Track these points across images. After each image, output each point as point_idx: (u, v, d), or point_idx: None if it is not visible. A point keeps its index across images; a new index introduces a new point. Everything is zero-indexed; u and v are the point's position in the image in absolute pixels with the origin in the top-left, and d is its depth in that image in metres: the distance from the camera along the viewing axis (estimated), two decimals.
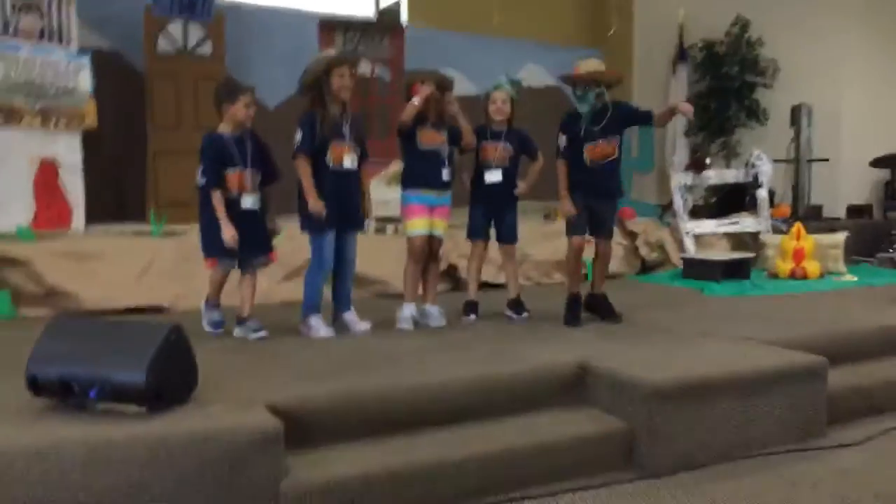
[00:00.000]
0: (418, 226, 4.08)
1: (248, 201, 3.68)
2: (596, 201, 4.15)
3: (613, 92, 4.26)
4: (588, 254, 4.35)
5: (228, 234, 3.57)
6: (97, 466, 2.14)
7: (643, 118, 4.28)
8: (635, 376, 2.99)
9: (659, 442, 2.90)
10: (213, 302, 3.87)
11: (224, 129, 3.69)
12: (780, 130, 8.32)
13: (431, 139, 4.08)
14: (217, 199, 3.59)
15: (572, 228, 4.19)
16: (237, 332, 3.76)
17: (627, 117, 4.22)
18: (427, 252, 4.14)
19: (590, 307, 4.29)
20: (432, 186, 4.08)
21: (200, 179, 3.63)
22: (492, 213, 4.34)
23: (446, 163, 4.13)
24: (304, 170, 3.78)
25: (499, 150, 4.25)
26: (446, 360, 3.26)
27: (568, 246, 4.22)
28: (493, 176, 4.27)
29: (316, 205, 3.74)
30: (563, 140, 4.17)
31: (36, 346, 2.44)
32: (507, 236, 4.36)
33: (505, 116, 4.29)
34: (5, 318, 4.34)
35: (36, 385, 2.40)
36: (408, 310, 4.12)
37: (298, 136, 3.77)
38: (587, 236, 4.21)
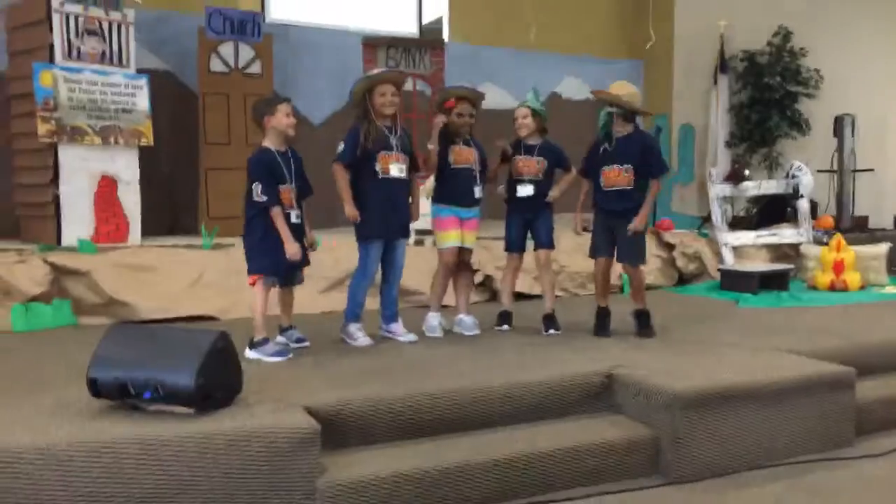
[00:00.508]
0: (450, 238, 4.24)
1: (294, 216, 3.75)
2: (616, 224, 4.17)
3: (649, 120, 4.30)
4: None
5: (293, 249, 3.63)
6: (149, 463, 2.34)
7: (647, 168, 4.16)
8: (660, 385, 3.07)
9: (683, 449, 2.98)
10: (284, 325, 3.93)
11: (269, 143, 3.73)
12: (823, 141, 8.24)
13: (464, 158, 4.26)
14: (278, 214, 3.61)
15: (593, 249, 4.28)
16: (279, 339, 3.88)
17: (643, 151, 4.13)
18: (456, 264, 4.30)
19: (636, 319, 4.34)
20: (463, 204, 4.25)
21: (261, 197, 3.59)
22: (527, 224, 4.43)
23: (478, 180, 4.29)
24: (340, 176, 3.93)
25: (531, 164, 4.36)
26: (477, 367, 3.38)
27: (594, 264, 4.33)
28: (525, 190, 4.36)
29: (352, 211, 3.89)
30: (587, 157, 4.31)
31: (96, 352, 2.65)
32: (544, 241, 4.41)
33: (529, 131, 4.37)
34: (67, 326, 4.61)
35: (96, 387, 2.61)
36: (433, 319, 4.29)
37: (341, 146, 3.94)
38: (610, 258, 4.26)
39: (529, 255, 4.56)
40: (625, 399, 3.24)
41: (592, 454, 2.92)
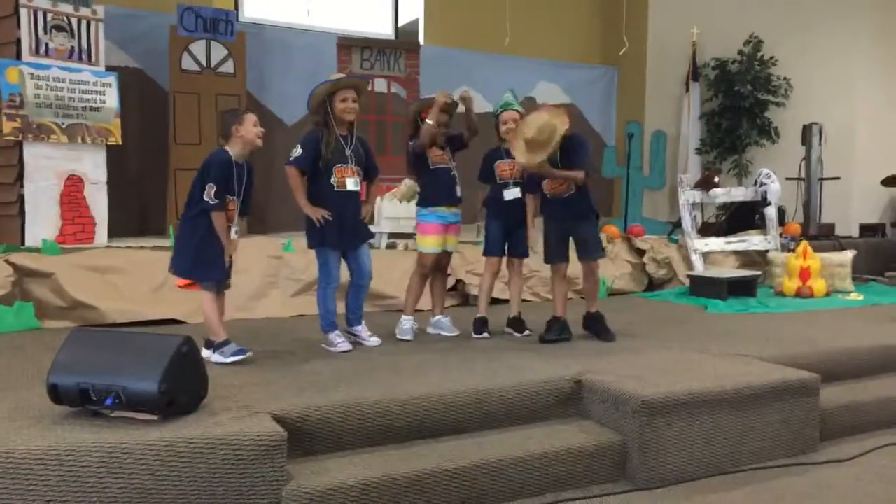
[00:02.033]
0: (432, 243, 4.28)
1: (233, 231, 3.64)
2: (572, 225, 4.20)
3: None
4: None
5: (232, 249, 3.58)
6: (111, 471, 2.29)
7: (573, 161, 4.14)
8: (628, 390, 3.09)
9: (651, 455, 3.00)
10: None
11: (231, 150, 3.61)
12: (792, 149, 8.36)
13: (441, 158, 4.30)
14: (221, 217, 3.51)
15: (551, 255, 4.26)
16: (207, 354, 3.56)
17: (572, 150, 4.11)
18: (433, 268, 4.35)
19: (586, 326, 4.35)
20: (449, 203, 4.29)
21: (213, 199, 3.48)
22: (508, 229, 4.41)
23: (457, 179, 4.34)
24: (294, 179, 3.88)
25: (515, 167, 4.32)
26: (446, 373, 3.37)
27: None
28: (514, 193, 4.34)
29: (313, 210, 3.84)
30: (528, 177, 4.28)
31: (56, 357, 2.60)
32: (520, 251, 4.43)
33: None
34: (29, 330, 4.50)
35: (56, 393, 2.55)
36: (406, 322, 4.31)
37: (298, 151, 3.88)
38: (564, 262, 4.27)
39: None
40: (593, 405, 3.25)
41: (561, 460, 2.93)
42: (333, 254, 3.97)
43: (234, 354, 3.56)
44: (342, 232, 3.93)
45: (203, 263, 3.55)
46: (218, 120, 3.75)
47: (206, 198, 3.49)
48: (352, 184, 3.96)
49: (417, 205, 4.41)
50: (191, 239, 3.56)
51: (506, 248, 4.45)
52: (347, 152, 3.96)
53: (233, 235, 3.63)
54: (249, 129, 3.61)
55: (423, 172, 4.31)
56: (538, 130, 4.00)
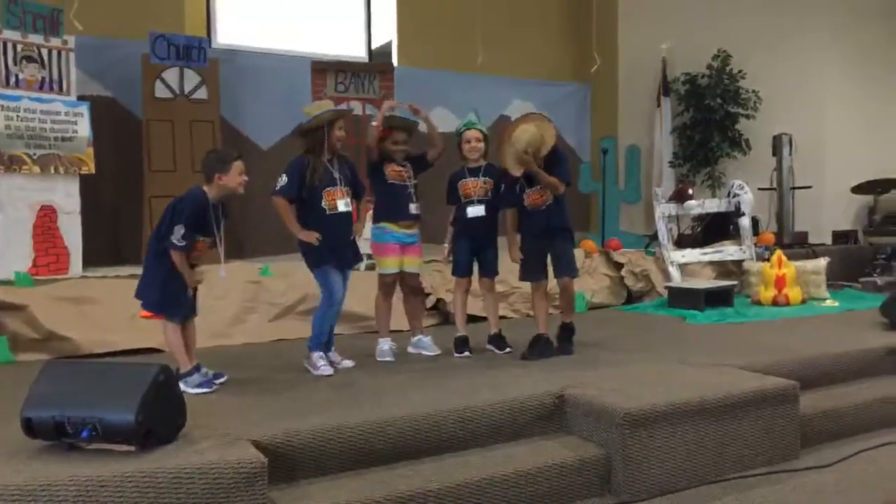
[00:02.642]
0: (390, 264, 4.31)
1: (199, 272, 3.63)
2: (548, 241, 4.24)
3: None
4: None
5: (197, 278, 3.57)
6: None
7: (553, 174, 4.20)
8: (610, 404, 3.09)
9: (634, 467, 3.00)
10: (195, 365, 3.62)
11: (210, 193, 3.55)
12: (763, 159, 8.49)
13: (398, 174, 4.30)
14: (181, 259, 3.47)
15: (528, 273, 4.30)
16: (183, 385, 3.42)
17: (553, 163, 4.19)
18: (395, 287, 4.39)
19: (557, 336, 4.38)
20: (401, 219, 4.28)
21: (178, 242, 3.41)
22: (475, 248, 4.44)
23: (413, 197, 4.32)
24: (283, 208, 3.91)
25: (479, 185, 4.38)
26: (428, 394, 3.36)
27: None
28: (477, 210, 4.37)
29: (307, 234, 3.88)
30: (505, 186, 4.32)
31: (31, 390, 2.55)
32: (489, 270, 4.47)
33: (480, 154, 4.41)
34: (3, 363, 4.43)
35: (31, 427, 2.50)
36: (384, 343, 4.33)
37: (284, 179, 3.91)
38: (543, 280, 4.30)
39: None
40: (576, 419, 3.25)
41: (546, 476, 2.92)
42: (334, 272, 3.99)
43: (198, 387, 3.50)
44: (338, 251, 3.98)
45: (169, 300, 3.53)
46: (204, 159, 3.65)
47: (173, 239, 3.43)
48: (343, 205, 3.99)
49: (373, 221, 4.41)
50: (157, 274, 3.52)
51: (475, 268, 4.47)
52: (336, 175, 4.01)
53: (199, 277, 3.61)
54: (234, 178, 3.56)
55: (379, 186, 4.32)
56: (527, 144, 4.10)
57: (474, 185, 4.39)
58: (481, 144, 4.40)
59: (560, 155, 4.28)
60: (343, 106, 6.71)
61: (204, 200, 3.52)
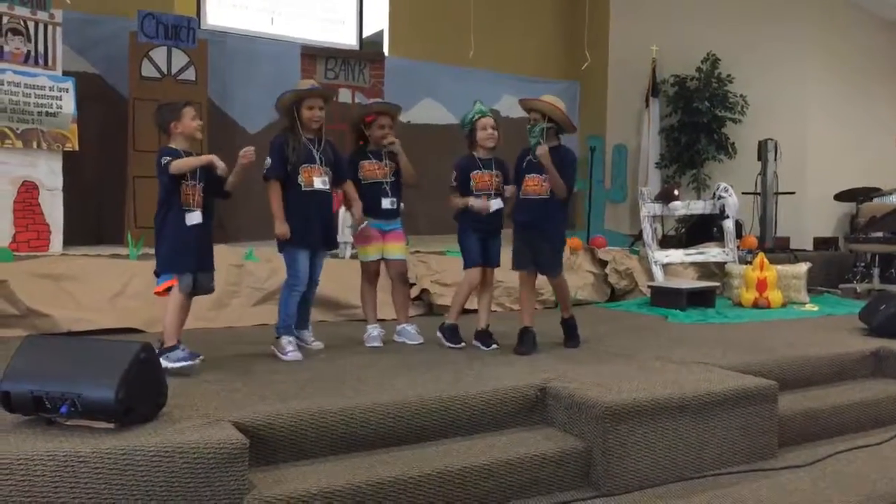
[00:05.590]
0: (371, 251, 4.34)
1: (196, 216, 3.56)
2: (537, 238, 4.19)
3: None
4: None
5: (195, 218, 3.56)
6: (65, 480, 2.22)
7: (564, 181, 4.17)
8: (591, 397, 3.10)
9: (614, 461, 3.01)
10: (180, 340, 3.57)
11: (177, 146, 3.57)
12: (748, 164, 8.57)
13: (371, 173, 4.31)
14: (179, 166, 3.47)
15: (517, 261, 4.25)
16: (164, 360, 3.36)
17: (562, 165, 4.13)
18: (378, 275, 4.41)
19: (563, 333, 4.43)
20: (375, 216, 4.30)
21: (168, 170, 3.46)
22: (485, 239, 4.34)
23: (388, 193, 4.32)
24: (274, 194, 3.93)
25: (492, 177, 4.30)
26: (411, 381, 3.35)
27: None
28: (496, 204, 4.28)
29: (280, 227, 3.90)
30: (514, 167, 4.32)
31: (9, 364, 2.52)
32: (495, 261, 4.40)
33: (496, 142, 4.33)
34: None
35: (9, 401, 2.47)
36: (373, 330, 4.34)
37: (268, 161, 3.94)
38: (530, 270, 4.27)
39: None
40: (558, 412, 3.26)
41: (526, 467, 2.92)
42: (301, 253, 3.97)
43: (178, 361, 3.47)
44: (309, 230, 3.95)
45: (177, 251, 3.52)
46: (155, 114, 3.63)
47: (160, 173, 3.46)
48: (319, 182, 3.98)
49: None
50: (162, 228, 3.56)
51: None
52: (316, 154, 4.00)
53: (194, 221, 3.55)
54: (188, 123, 3.57)
55: (356, 181, 4.32)
56: (551, 112, 4.12)
57: (489, 178, 4.30)
58: (496, 133, 4.33)
59: (572, 157, 4.26)
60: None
61: (173, 153, 3.53)
